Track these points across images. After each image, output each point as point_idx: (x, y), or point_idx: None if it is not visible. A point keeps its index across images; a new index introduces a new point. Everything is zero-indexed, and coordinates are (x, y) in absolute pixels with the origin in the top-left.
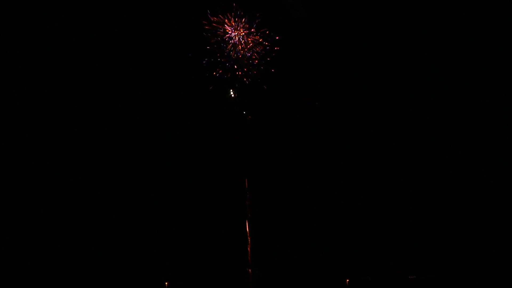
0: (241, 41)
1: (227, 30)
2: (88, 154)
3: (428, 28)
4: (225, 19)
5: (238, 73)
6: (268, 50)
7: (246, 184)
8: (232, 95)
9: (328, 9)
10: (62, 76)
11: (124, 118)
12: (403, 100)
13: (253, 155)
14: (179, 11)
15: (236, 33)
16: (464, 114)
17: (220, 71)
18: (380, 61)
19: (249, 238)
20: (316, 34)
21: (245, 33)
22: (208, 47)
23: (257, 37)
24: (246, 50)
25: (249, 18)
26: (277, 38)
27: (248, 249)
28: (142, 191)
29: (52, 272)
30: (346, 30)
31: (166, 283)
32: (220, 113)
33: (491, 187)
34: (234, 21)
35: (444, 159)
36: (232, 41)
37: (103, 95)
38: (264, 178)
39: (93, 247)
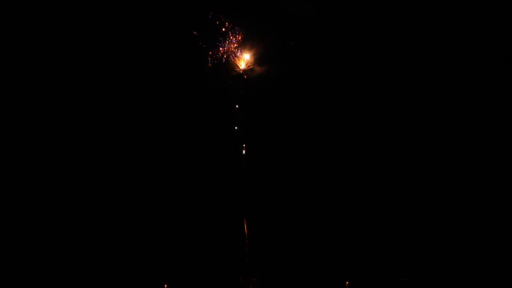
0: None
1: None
2: (81, 157)
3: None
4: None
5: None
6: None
7: (245, 185)
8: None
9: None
10: (59, 76)
11: (118, 123)
12: (405, 100)
13: (251, 155)
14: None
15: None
16: (466, 115)
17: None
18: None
19: (247, 241)
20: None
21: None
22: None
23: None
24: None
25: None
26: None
27: (247, 251)
28: (141, 192)
29: (47, 275)
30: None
31: (166, 285)
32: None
33: (493, 189)
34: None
35: (446, 160)
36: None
37: (94, 102)
38: (263, 179)
39: (90, 249)
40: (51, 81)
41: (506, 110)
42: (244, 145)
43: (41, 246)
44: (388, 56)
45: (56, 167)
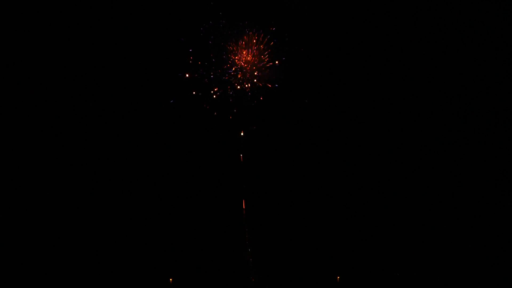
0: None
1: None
2: (83, 156)
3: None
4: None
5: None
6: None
7: (243, 186)
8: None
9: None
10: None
11: (119, 122)
12: (404, 100)
13: (249, 158)
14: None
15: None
16: (465, 115)
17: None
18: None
19: (247, 238)
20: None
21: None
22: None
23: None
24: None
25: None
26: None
27: (247, 246)
28: (143, 193)
29: (52, 272)
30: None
31: (171, 279)
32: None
33: (491, 189)
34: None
35: (441, 159)
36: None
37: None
38: (260, 181)
39: (94, 248)
40: (64, 79)
41: (505, 111)
42: (243, 146)
43: (44, 245)
44: (386, 57)
45: (60, 167)
